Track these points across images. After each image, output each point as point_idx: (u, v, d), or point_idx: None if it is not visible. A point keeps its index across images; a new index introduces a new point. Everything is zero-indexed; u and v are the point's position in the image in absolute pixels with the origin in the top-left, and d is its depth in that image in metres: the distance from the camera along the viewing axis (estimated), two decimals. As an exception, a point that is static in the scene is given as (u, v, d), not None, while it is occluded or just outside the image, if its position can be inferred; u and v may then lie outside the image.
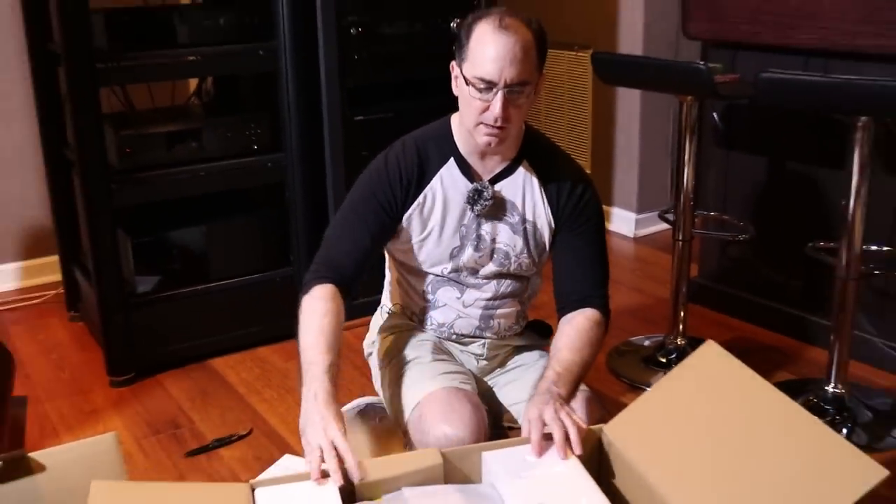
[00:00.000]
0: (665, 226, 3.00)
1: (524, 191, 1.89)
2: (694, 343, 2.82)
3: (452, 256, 1.91)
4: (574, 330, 1.85)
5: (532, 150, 1.90)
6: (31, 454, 1.48)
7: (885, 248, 2.68)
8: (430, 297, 1.99)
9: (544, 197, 1.89)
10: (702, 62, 2.60)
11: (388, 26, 2.91)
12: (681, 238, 2.77)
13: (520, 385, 1.97)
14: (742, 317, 3.17)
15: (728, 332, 3.08)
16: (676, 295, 2.82)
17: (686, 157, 2.70)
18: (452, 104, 1.83)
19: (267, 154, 2.91)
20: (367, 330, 2.15)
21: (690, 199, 2.74)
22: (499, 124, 1.74)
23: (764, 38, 2.77)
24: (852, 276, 2.39)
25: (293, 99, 2.85)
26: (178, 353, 2.85)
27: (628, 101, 3.93)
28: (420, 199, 1.87)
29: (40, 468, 1.48)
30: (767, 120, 2.95)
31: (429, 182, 1.87)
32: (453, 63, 1.82)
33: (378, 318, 2.15)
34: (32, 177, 3.40)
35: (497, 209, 1.88)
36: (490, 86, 1.71)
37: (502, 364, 2.06)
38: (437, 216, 1.88)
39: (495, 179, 1.88)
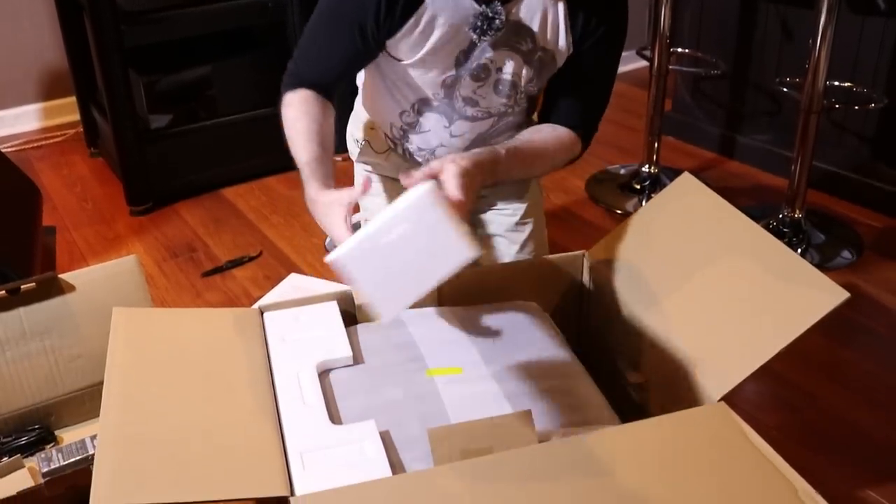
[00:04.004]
0: (642, 63, 2.94)
1: (544, 13, 1.41)
2: (666, 171, 2.82)
3: (445, 85, 1.49)
4: (554, 136, 1.51)
5: None
6: (62, 275, 1.50)
7: (846, 84, 2.64)
8: (411, 117, 1.59)
9: (567, 21, 1.43)
10: None
11: None
12: (656, 73, 2.72)
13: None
14: (711, 147, 3.15)
15: (698, 162, 3.07)
16: (651, 127, 2.79)
17: (664, -4, 2.62)
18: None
19: (267, -6, 2.81)
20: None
21: (667, 36, 2.67)
22: None
23: None
24: (815, 109, 2.36)
25: (290, -60, 2.73)
26: (191, 183, 2.85)
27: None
28: (411, 21, 1.38)
29: (70, 288, 1.50)
30: (742, -40, 2.86)
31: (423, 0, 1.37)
32: None
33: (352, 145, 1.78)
34: (46, 21, 3.29)
35: (508, 35, 1.42)
36: None
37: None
38: (431, 42, 1.41)
39: None
